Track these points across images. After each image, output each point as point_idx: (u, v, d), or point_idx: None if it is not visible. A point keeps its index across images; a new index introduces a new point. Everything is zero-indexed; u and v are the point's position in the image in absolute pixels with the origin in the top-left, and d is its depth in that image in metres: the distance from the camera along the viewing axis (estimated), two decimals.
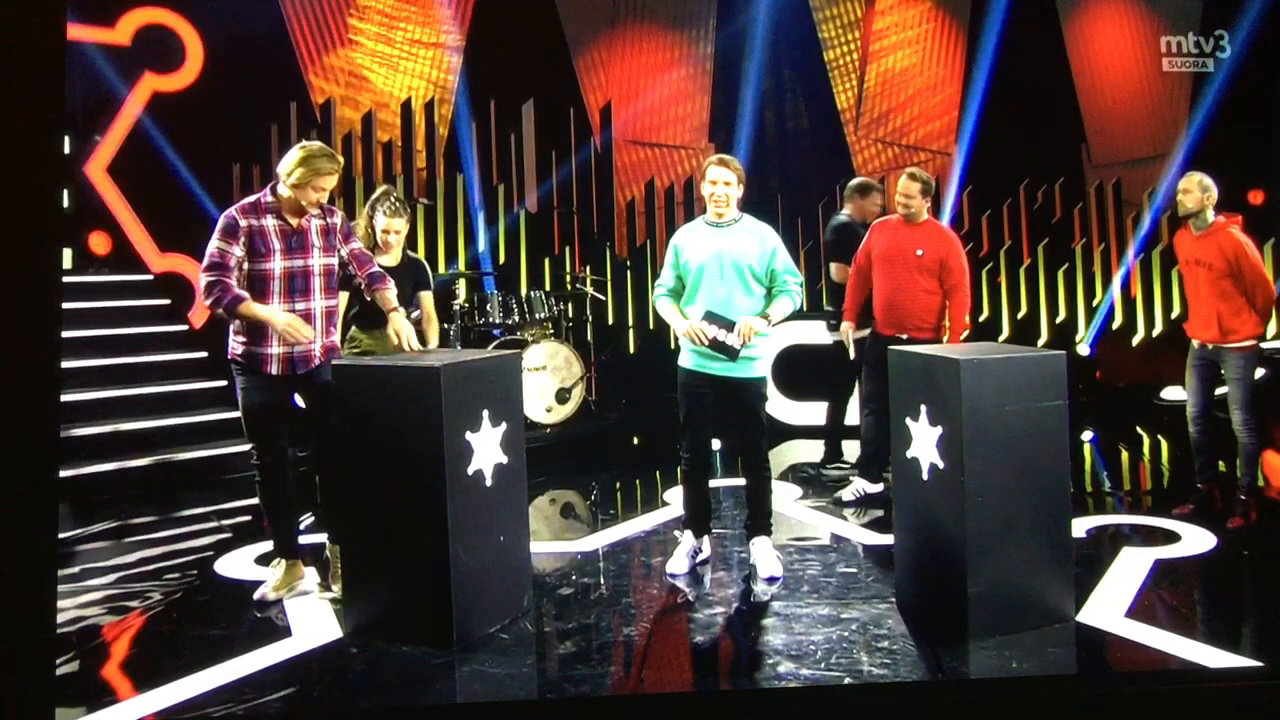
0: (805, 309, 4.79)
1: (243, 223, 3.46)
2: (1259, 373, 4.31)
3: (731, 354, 3.70)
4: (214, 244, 3.45)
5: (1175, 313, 8.20)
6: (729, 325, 3.69)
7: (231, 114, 7.02)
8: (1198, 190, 4.27)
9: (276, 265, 3.48)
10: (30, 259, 2.09)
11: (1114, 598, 3.47)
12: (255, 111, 7.29)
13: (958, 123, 8.50)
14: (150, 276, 6.99)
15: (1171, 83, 8.18)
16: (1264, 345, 4.31)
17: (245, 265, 3.47)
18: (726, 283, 3.74)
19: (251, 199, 3.55)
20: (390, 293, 3.69)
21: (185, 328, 6.83)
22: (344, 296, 4.15)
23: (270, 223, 3.50)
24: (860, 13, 8.62)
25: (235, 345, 3.56)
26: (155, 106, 7.02)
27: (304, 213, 3.54)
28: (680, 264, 3.85)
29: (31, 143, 2.10)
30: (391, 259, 4.33)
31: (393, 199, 4.32)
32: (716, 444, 5.96)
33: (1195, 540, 4.12)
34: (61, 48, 2.27)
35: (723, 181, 3.78)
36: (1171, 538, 4.16)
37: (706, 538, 4.02)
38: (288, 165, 3.48)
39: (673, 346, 8.24)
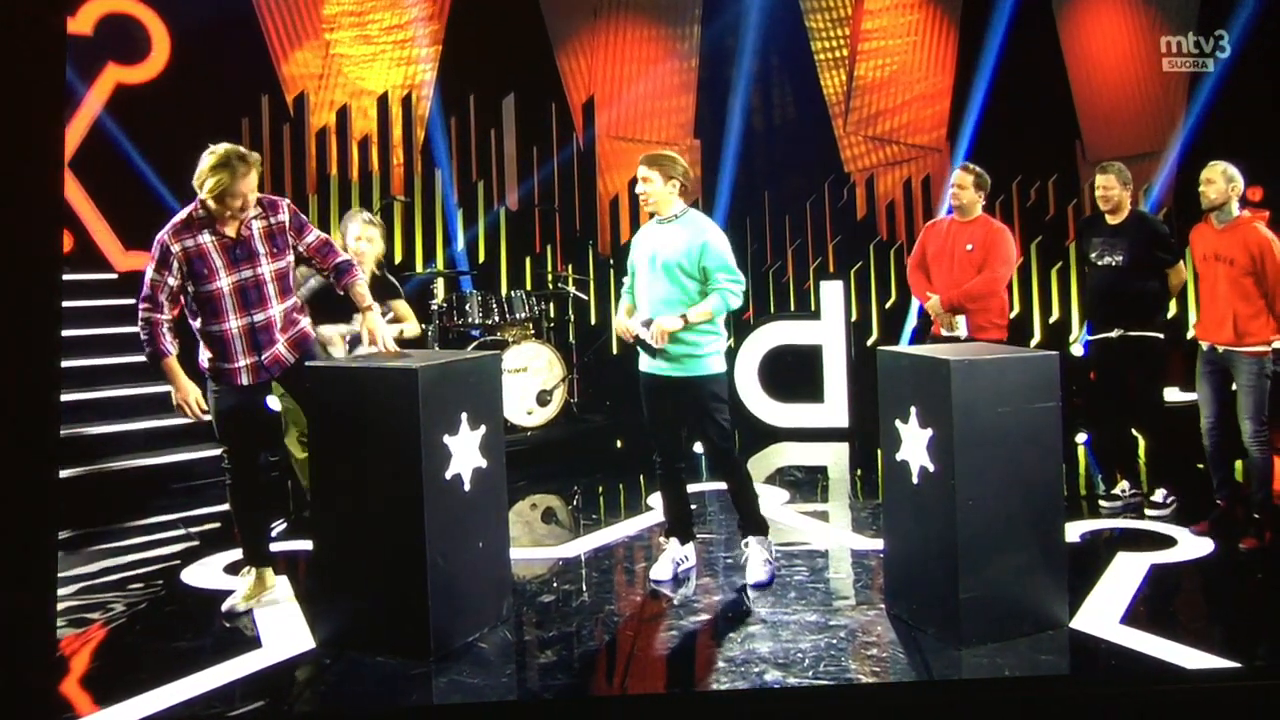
0: (774, 307, 4.68)
1: (175, 248, 3.32)
2: (1269, 375, 4.15)
3: (652, 352, 3.69)
4: (148, 274, 3.35)
5: (1171, 313, 8.19)
6: (648, 324, 3.68)
7: (200, 107, 6.83)
8: (1221, 180, 4.10)
9: (224, 283, 3.36)
10: (30, 258, 2.04)
11: (1108, 604, 3.42)
12: (224, 105, 7.11)
13: (949, 119, 8.46)
14: (114, 275, 6.80)
15: (1167, 78, 8.16)
16: (1276, 348, 4.11)
17: (190, 288, 3.36)
18: (658, 281, 3.70)
19: (183, 215, 3.39)
20: (362, 285, 3.56)
21: None
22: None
23: (208, 239, 3.35)
24: (850, 10, 8.58)
25: (203, 360, 3.49)
26: (119, 99, 6.83)
27: (239, 220, 3.38)
28: (631, 261, 3.86)
29: (32, 142, 2.06)
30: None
31: (365, 215, 4.32)
32: (699, 447, 5.90)
33: (1192, 545, 4.07)
34: (62, 48, 2.24)
35: (642, 179, 3.74)
36: (1167, 542, 4.12)
37: (691, 544, 3.94)
38: (199, 177, 3.30)
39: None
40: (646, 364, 3.78)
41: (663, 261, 3.68)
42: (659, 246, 3.72)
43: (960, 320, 4.53)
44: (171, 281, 3.33)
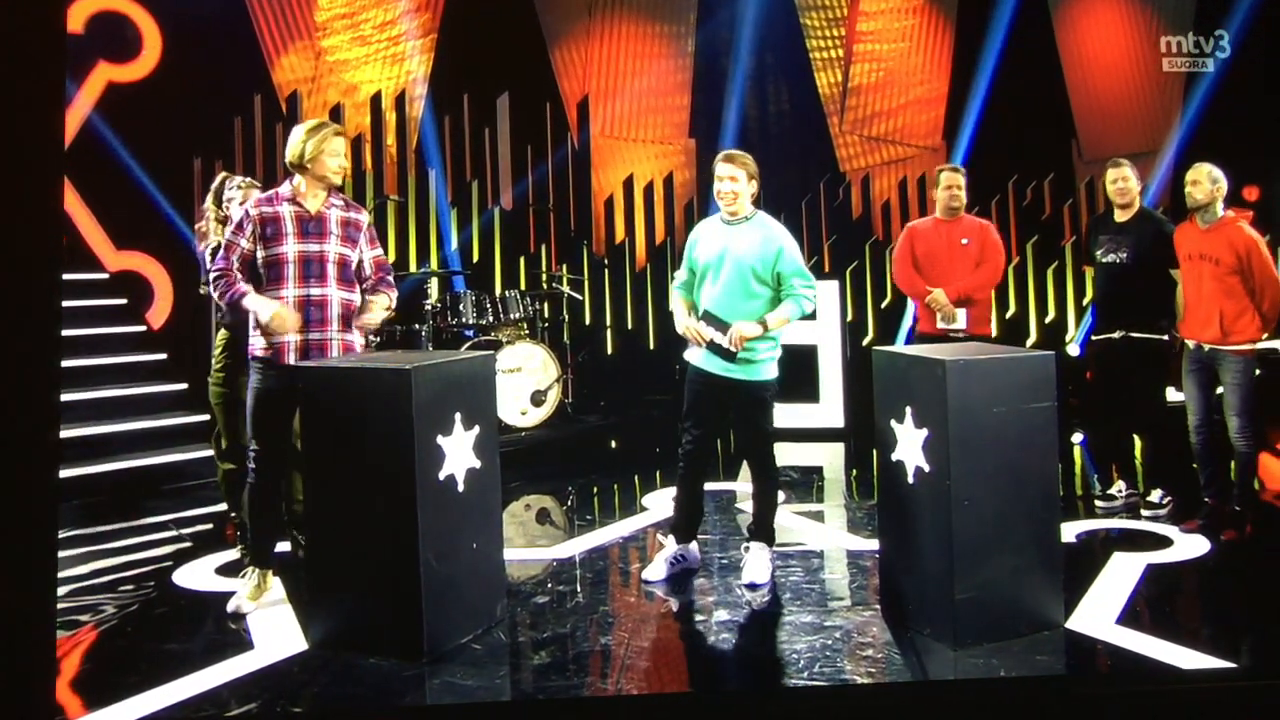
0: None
1: (254, 212, 3.52)
2: (1256, 372, 4.18)
3: (728, 357, 3.64)
4: (226, 237, 3.56)
5: None
6: (724, 327, 3.61)
7: (192, 106, 6.80)
8: (1207, 181, 4.14)
9: (290, 249, 3.49)
10: (30, 256, 2.04)
11: (1104, 604, 3.41)
12: (217, 103, 7.08)
13: (944, 119, 8.46)
14: (105, 275, 6.74)
15: (1163, 78, 8.17)
16: (1260, 347, 4.15)
17: (260, 253, 3.50)
18: (728, 282, 3.66)
19: (270, 192, 3.63)
20: (382, 296, 3.65)
21: (143, 328, 6.62)
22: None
23: (286, 209, 3.53)
24: (845, 10, 8.57)
25: (256, 342, 3.52)
26: (110, 97, 6.76)
27: (324, 199, 3.56)
28: (692, 259, 3.80)
29: (31, 139, 2.06)
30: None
31: (241, 179, 4.24)
32: None
33: (1188, 545, 4.07)
34: (62, 44, 2.25)
35: (728, 178, 3.70)
36: (1163, 543, 4.11)
37: (694, 544, 3.92)
38: (296, 145, 3.52)
39: (652, 347, 8.22)
40: (698, 361, 3.74)
41: (734, 262, 3.64)
42: (731, 246, 3.67)
43: (961, 314, 4.58)
44: (244, 244, 3.50)
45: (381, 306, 3.64)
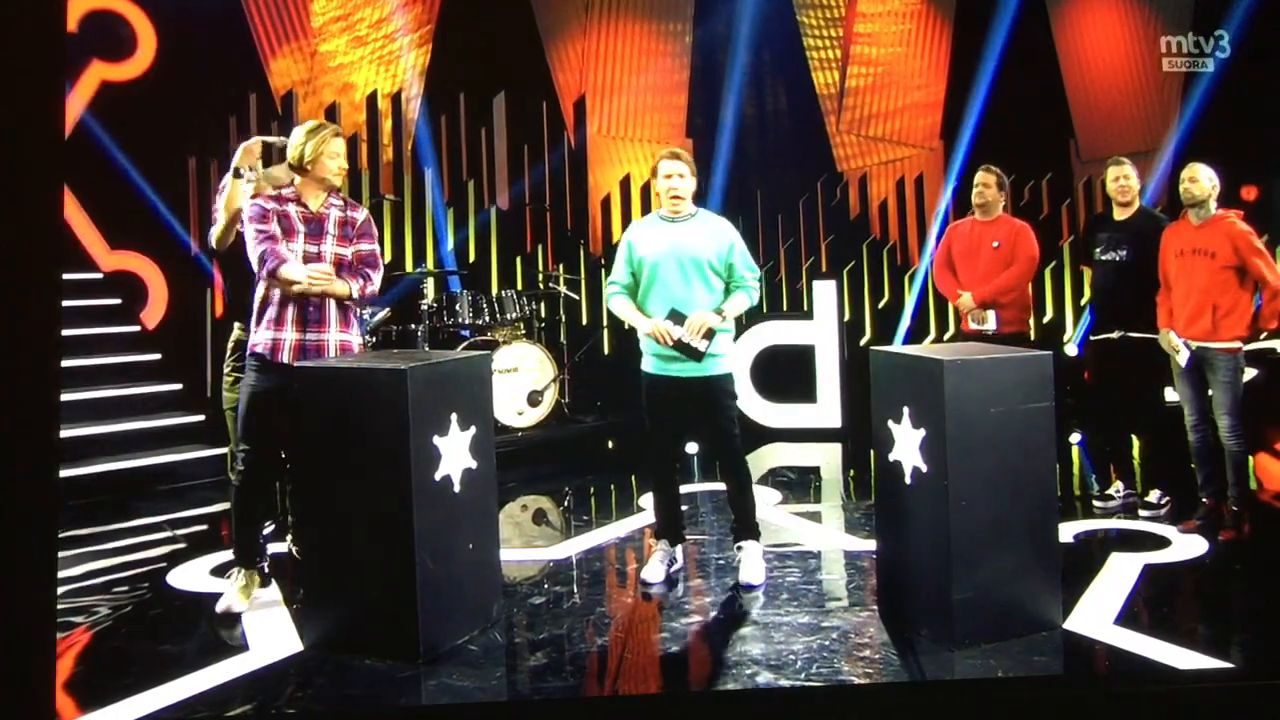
0: (766, 307, 4.74)
1: (268, 205, 3.52)
2: (1250, 373, 4.17)
3: (696, 355, 3.62)
4: (255, 229, 3.49)
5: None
6: (683, 322, 3.62)
7: (186, 105, 6.78)
8: (1204, 179, 4.17)
9: (298, 247, 3.51)
10: (31, 256, 2.04)
11: (1102, 604, 3.40)
12: (212, 103, 7.05)
13: (942, 119, 8.45)
14: (100, 275, 6.70)
15: (1162, 77, 8.17)
16: (1251, 346, 4.16)
17: None
18: (683, 279, 3.66)
19: (275, 191, 3.62)
20: (341, 283, 3.55)
21: (137, 329, 6.59)
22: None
23: (292, 208, 3.54)
24: (843, 10, 8.56)
25: (258, 336, 3.50)
26: (104, 96, 6.72)
27: (323, 199, 3.57)
28: (634, 259, 3.75)
29: (31, 138, 2.05)
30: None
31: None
32: (693, 447, 5.88)
33: (1186, 545, 4.06)
34: (62, 43, 2.24)
35: (676, 174, 3.70)
36: (1162, 543, 4.11)
37: (680, 546, 3.92)
38: (295, 147, 3.53)
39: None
40: (655, 366, 3.73)
41: (690, 258, 3.64)
42: (681, 243, 3.66)
43: (990, 314, 4.63)
44: (274, 229, 3.48)
45: (341, 290, 3.53)
